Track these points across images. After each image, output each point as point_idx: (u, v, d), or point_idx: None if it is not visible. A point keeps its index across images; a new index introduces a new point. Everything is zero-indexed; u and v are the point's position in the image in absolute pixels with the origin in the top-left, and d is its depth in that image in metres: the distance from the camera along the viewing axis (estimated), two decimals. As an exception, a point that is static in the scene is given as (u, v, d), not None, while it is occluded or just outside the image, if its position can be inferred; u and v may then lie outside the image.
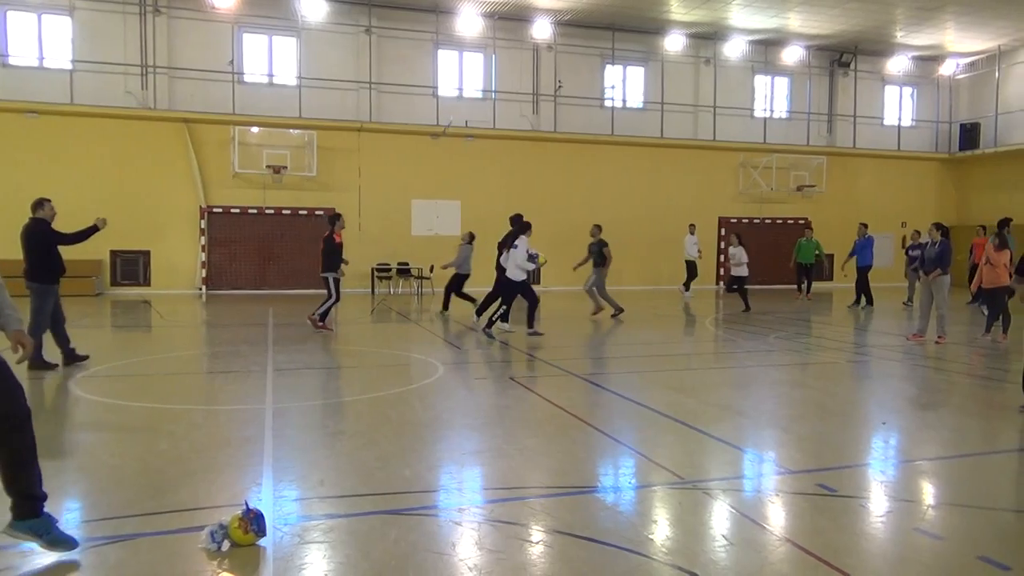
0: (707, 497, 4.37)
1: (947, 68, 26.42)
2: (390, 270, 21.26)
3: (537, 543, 3.70)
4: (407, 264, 21.21)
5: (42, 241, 8.48)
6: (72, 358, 8.60)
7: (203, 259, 19.89)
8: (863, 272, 17.57)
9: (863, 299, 17.38)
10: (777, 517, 4.14)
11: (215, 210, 19.98)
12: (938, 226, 11.24)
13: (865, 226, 18.38)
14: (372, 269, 20.99)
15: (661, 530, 3.93)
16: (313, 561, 3.48)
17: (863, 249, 17.85)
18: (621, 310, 14.47)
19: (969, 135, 25.98)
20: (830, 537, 3.80)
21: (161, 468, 4.92)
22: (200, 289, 19.83)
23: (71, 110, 18.63)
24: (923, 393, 7.95)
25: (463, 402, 7.19)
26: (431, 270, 20.91)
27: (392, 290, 21.15)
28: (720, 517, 4.10)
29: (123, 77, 19.24)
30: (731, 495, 4.44)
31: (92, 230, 8.74)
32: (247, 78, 20.54)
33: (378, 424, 6.16)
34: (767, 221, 24.60)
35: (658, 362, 9.75)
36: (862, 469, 5.11)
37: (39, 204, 8.63)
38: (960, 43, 24.54)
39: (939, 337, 10.93)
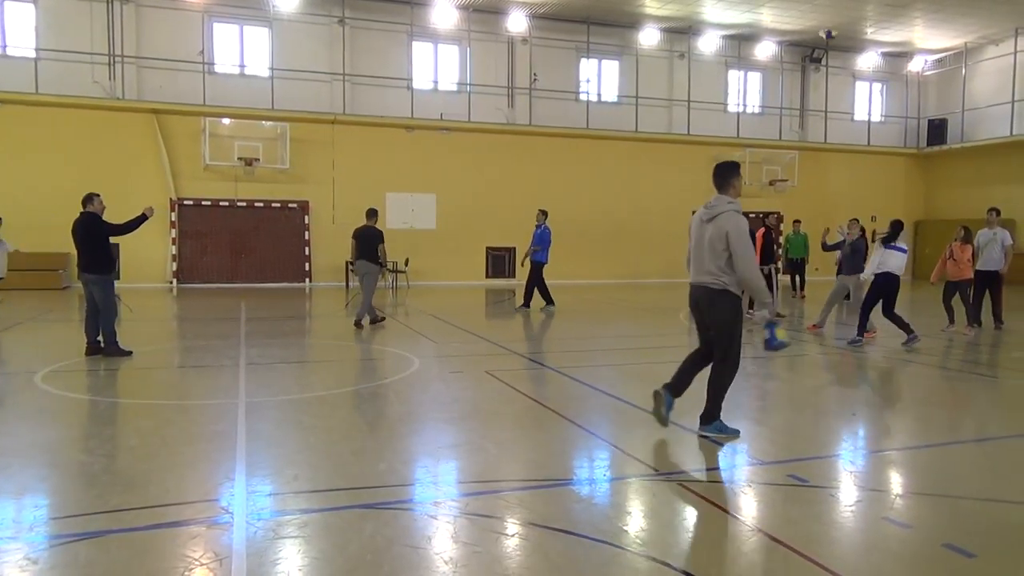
0: (681, 489, 4.41)
1: (916, 65, 26.84)
2: (364, 263, 21.13)
3: (512, 536, 3.71)
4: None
5: (97, 234, 8.83)
6: (95, 350, 8.82)
7: (173, 252, 19.64)
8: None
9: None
10: (749, 508, 4.20)
11: (186, 202, 19.71)
12: (855, 221, 11.56)
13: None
14: (347, 262, 20.84)
15: (635, 522, 3.96)
16: (287, 556, 3.46)
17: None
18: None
19: (937, 131, 26.44)
20: (801, 527, 3.85)
21: (131, 464, 4.86)
22: (171, 283, 19.56)
23: (36, 99, 18.24)
24: (892, 384, 8.10)
25: (439, 396, 7.18)
26: (406, 263, 20.84)
27: (366, 284, 21.02)
28: (694, 508, 4.15)
29: (90, 66, 18.87)
30: (705, 486, 4.49)
31: (141, 219, 9.13)
32: (218, 69, 20.25)
33: (353, 418, 6.12)
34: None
35: (634, 355, 9.81)
36: (832, 460, 5.18)
37: (89, 199, 8.96)
38: (928, 40, 24.95)
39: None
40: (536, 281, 14.42)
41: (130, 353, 8.82)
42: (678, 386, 5.62)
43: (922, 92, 27.52)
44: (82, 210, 8.89)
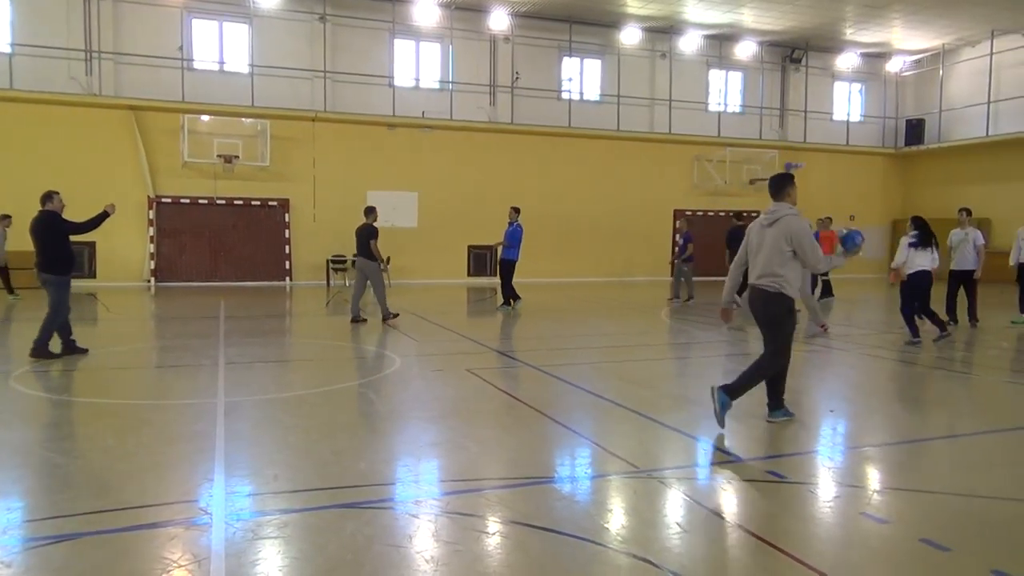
0: (661, 486, 4.43)
1: (894, 65, 27.14)
2: (345, 262, 21.03)
3: (494, 534, 3.71)
4: (363, 256, 20.99)
5: (56, 232, 8.57)
6: (72, 349, 8.69)
7: (152, 250, 19.42)
8: None
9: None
10: (729, 504, 4.22)
11: (164, 200, 19.51)
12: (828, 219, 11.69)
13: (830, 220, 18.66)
14: (327, 261, 20.74)
15: (616, 519, 3.98)
16: (267, 556, 3.43)
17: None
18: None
19: (914, 131, 26.76)
20: (780, 523, 3.88)
21: (107, 465, 4.79)
22: (149, 281, 19.36)
23: (11, 95, 17.96)
24: (869, 381, 8.18)
25: (420, 394, 7.16)
26: (387, 262, 20.74)
27: (347, 282, 20.92)
28: (674, 505, 4.16)
29: (66, 62, 18.60)
30: (685, 483, 4.51)
31: (102, 217, 8.84)
32: (197, 65, 20.05)
33: (333, 418, 6.09)
34: (721, 214, 25.00)
35: (614, 353, 9.84)
36: (810, 456, 5.23)
37: (48, 197, 8.70)
38: (906, 41, 25.23)
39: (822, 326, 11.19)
40: (506, 279, 14.45)
41: (59, 356, 8.50)
42: (776, 401, 5.92)
43: (900, 93, 27.84)
44: (41, 208, 8.61)
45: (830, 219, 17.69)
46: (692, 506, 4.12)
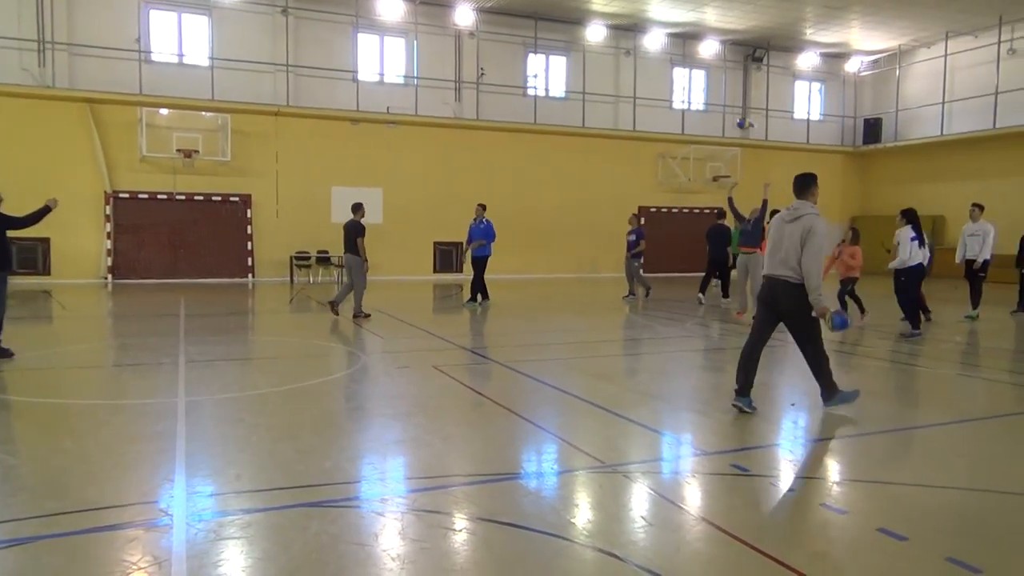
0: (627, 480, 4.47)
1: (852, 65, 27.68)
2: (309, 258, 20.82)
3: (460, 531, 3.70)
4: (327, 252, 20.80)
5: None
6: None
7: (109, 247, 19.00)
8: None
9: None
10: (694, 497, 4.27)
11: (121, 195, 19.08)
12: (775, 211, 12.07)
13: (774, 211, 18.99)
14: (291, 257, 20.50)
15: (583, 514, 4.00)
16: (230, 557, 3.38)
17: None
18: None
19: (872, 130, 27.36)
20: (743, 515, 3.94)
21: (64, 467, 4.68)
22: (106, 278, 18.93)
23: (-41, 87, 17.42)
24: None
25: (385, 391, 7.12)
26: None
27: (312, 279, 20.71)
28: (639, 499, 4.20)
29: (18, 52, 18.06)
30: (650, 477, 4.56)
31: (44, 211, 8.52)
32: (155, 57, 19.63)
33: (297, 416, 6.02)
34: (684, 211, 25.27)
35: (580, 349, 9.89)
36: (772, 449, 5.32)
37: None
38: (864, 41, 25.76)
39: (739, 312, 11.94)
40: (479, 275, 14.45)
41: (12, 355, 8.21)
42: (746, 385, 6.12)
43: (858, 92, 28.41)
44: None
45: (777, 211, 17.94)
46: (657, 500, 4.17)
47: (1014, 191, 22.06)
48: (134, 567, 3.25)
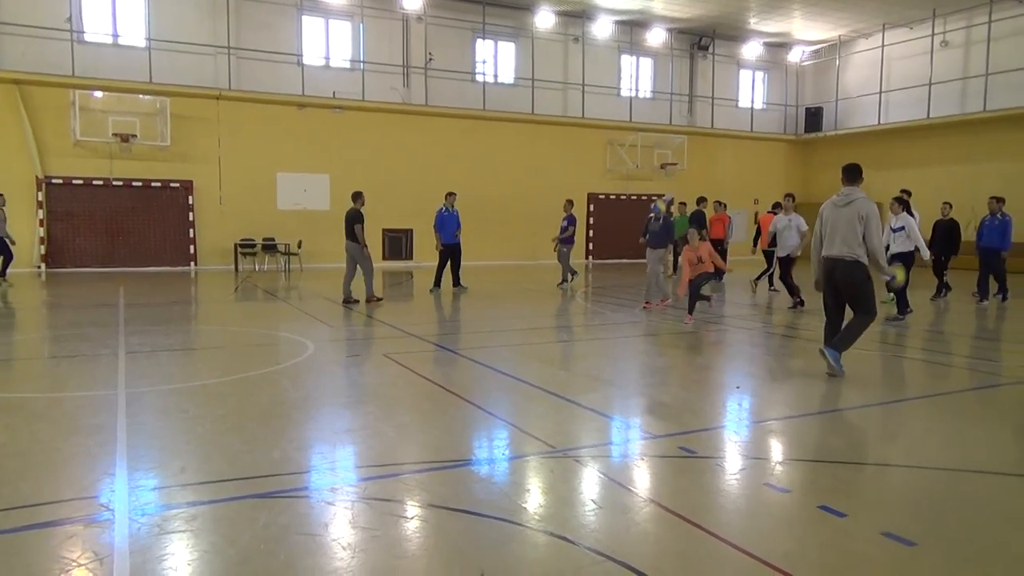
0: (577, 464, 4.52)
1: (794, 55, 28.30)
2: (255, 246, 20.39)
3: (412, 518, 3.69)
4: (273, 240, 20.42)
5: None
6: None
7: (41, 234, 18.30)
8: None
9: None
10: (642, 480, 4.34)
11: (54, 181, 18.37)
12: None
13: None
14: (235, 245, 20.05)
15: (534, 498, 4.03)
16: (175, 551, 3.30)
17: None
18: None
19: (813, 118, 28.06)
20: (690, 496, 4.03)
21: (-3, 463, 4.50)
22: (39, 267, 18.24)
23: None
24: (772, 359, 8.56)
25: (335, 380, 7.03)
26: (299, 245, 20.24)
27: (257, 267, 20.30)
28: (590, 483, 4.25)
29: (-61, 30, 17.18)
30: (600, 461, 4.61)
31: None
32: (88, 37, 18.88)
33: (244, 406, 5.91)
34: (632, 197, 25.53)
35: (531, 335, 9.93)
36: (718, 431, 5.44)
37: None
38: (806, 32, 26.34)
39: (646, 303, 12.17)
40: (452, 262, 14.74)
41: None
42: (838, 340, 6.97)
43: (800, 81, 29.06)
44: None
45: (724, 204, 18.37)
46: (607, 483, 4.22)
47: (948, 179, 22.86)
48: (74, 564, 3.15)
